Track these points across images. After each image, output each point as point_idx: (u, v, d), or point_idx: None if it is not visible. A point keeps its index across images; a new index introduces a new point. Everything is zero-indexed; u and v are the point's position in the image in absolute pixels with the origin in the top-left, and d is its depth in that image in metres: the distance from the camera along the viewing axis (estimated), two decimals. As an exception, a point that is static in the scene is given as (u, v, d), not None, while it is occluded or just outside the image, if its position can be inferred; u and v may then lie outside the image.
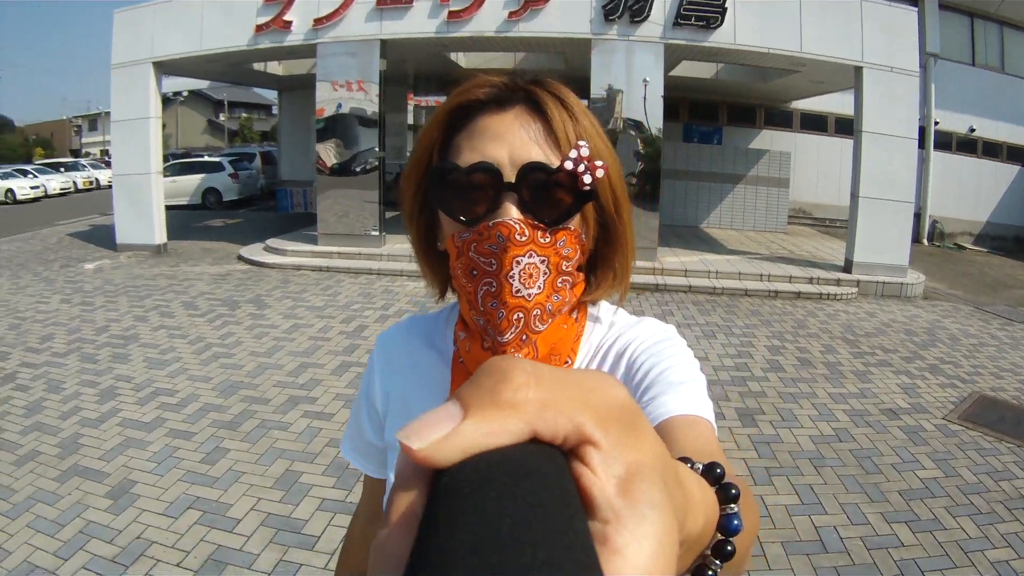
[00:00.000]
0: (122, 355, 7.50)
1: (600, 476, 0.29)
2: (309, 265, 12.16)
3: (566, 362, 0.99)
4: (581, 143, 0.88)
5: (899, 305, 10.64)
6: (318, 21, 12.30)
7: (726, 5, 11.18)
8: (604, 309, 1.10)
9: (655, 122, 11.66)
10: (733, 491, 0.52)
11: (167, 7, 13.51)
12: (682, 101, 18.72)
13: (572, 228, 0.93)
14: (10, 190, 28.22)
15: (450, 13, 11.73)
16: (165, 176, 19.97)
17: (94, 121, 60.92)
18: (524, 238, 0.88)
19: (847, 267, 11.67)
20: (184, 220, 18.38)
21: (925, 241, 19.01)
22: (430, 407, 0.84)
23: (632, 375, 0.96)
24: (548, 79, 1.00)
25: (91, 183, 33.83)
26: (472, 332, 0.97)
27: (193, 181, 22.76)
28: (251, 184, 24.25)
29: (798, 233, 16.85)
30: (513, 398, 0.29)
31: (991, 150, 20.28)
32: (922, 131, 17.61)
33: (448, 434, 0.28)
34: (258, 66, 17.18)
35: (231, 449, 5.27)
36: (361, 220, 12.81)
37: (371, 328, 8.43)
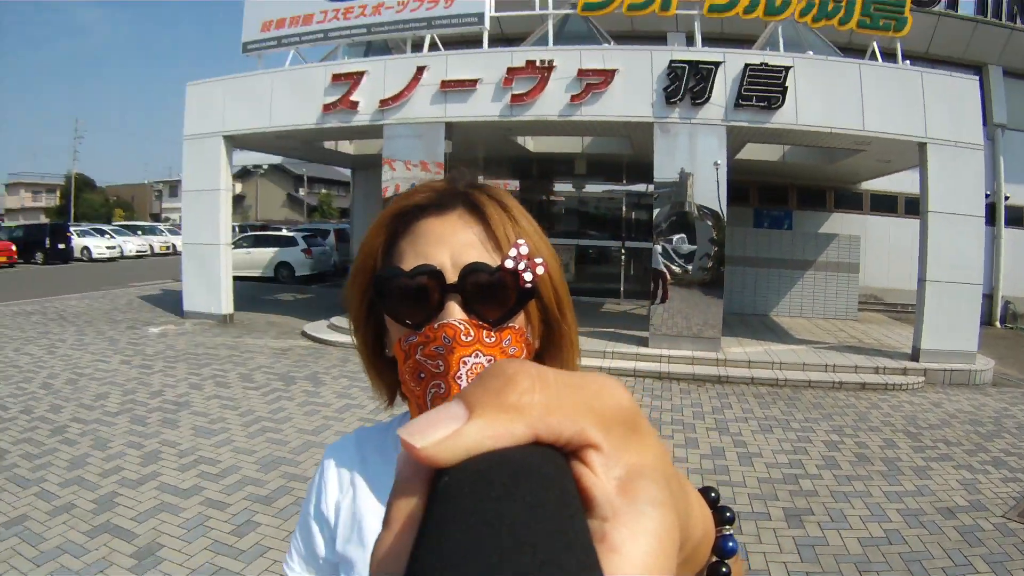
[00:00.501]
0: (172, 420, 7.59)
1: (601, 477, 0.29)
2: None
3: None
4: (520, 241, 0.92)
5: (967, 394, 10.21)
6: (384, 102, 12.52)
7: (787, 84, 11.10)
8: None
9: (722, 206, 11.53)
10: (728, 514, 0.52)
11: (237, 82, 14.01)
12: (751, 184, 18.64)
13: (516, 327, 0.95)
14: (86, 248, 29.21)
15: (513, 97, 11.84)
16: (240, 248, 20.49)
17: (175, 187, 63.11)
18: (470, 338, 0.90)
19: (915, 355, 11.25)
20: (255, 292, 18.73)
21: (998, 324, 18.41)
22: (382, 518, 0.81)
23: None
24: (487, 184, 1.03)
25: (168, 248, 34.93)
26: None
27: (267, 254, 23.18)
28: (324, 260, 24.53)
29: (869, 320, 16.42)
30: (519, 401, 0.28)
31: (1066, 224, 19.54)
32: (992, 207, 17.27)
33: (451, 434, 0.28)
34: (330, 144, 17.47)
35: (262, 523, 5.25)
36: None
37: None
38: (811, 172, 17.24)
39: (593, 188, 20.17)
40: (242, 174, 52.11)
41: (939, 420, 8.64)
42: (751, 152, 14.63)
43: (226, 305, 14.34)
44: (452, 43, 13.65)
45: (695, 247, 11.52)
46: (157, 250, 34.44)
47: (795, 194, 19.24)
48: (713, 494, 0.53)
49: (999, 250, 18.38)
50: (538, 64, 11.79)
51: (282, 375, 9.93)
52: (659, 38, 15.83)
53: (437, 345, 0.90)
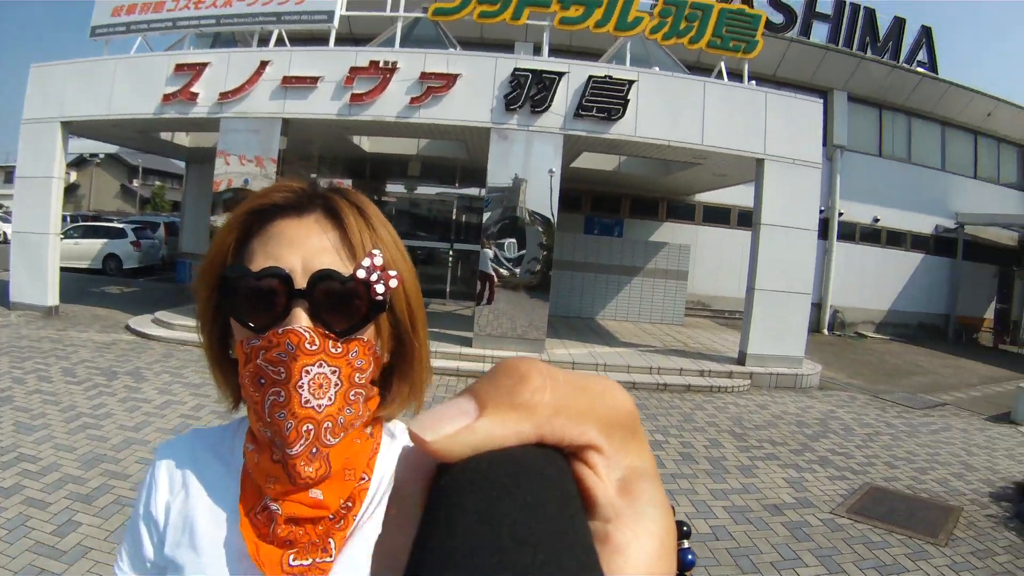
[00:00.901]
0: None
1: (602, 478, 0.29)
2: (193, 341, 11.61)
3: (361, 478, 0.98)
4: (375, 252, 0.90)
5: (793, 396, 10.77)
6: (223, 95, 12.31)
7: (629, 98, 11.43)
8: (399, 426, 1.11)
9: (553, 213, 11.75)
10: (685, 528, 0.50)
11: (79, 66, 13.51)
12: (585, 193, 19.17)
13: (365, 339, 0.93)
14: (-86, 239, 27.40)
15: (352, 96, 11.81)
16: (68, 237, 19.56)
17: (10, 173, 59.77)
18: (314, 347, 0.88)
19: (741, 359, 11.81)
20: (82, 284, 17.93)
21: (825, 331, 19.68)
22: (215, 522, 0.97)
23: None
24: (348, 188, 1.00)
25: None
26: (261, 444, 0.95)
27: (95, 245, 22.43)
28: (153, 253, 24.00)
29: (695, 325, 17.17)
30: (530, 400, 0.28)
31: (895, 239, 21.30)
32: (826, 222, 18.42)
33: (461, 429, 0.27)
34: (166, 136, 17.06)
35: (83, 523, 5.05)
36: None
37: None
38: (646, 183, 17.81)
39: (426, 190, 20.39)
40: (77, 162, 49.89)
41: (765, 421, 9.06)
42: (587, 161, 14.99)
43: (52, 297, 13.74)
44: (300, 40, 13.58)
45: (523, 251, 11.74)
46: (-2, 239, 32.46)
47: (628, 203, 19.91)
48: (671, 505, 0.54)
49: (830, 262, 19.71)
50: (381, 65, 11.80)
51: (104, 370, 9.57)
52: (507, 46, 16.01)
53: (280, 351, 0.88)
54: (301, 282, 0.89)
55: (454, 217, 20.03)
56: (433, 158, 16.77)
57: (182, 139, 17.84)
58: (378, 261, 0.89)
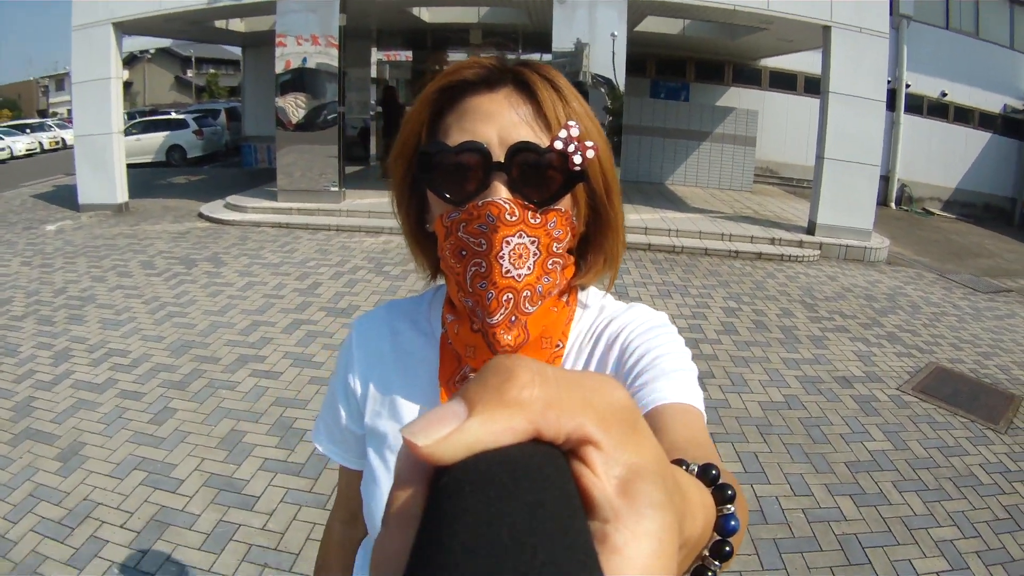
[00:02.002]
0: (78, 316, 7.45)
1: (601, 476, 0.29)
2: (268, 222, 12.05)
3: (557, 345, 1.00)
4: (571, 123, 0.89)
5: (861, 269, 10.61)
6: (276, -23, 12.15)
7: (691, -40, 10.98)
8: (594, 294, 1.11)
9: (618, 77, 11.57)
10: (729, 492, 0.52)
11: (125, -35, 13.39)
12: (649, 57, 18.58)
13: (563, 210, 0.94)
14: (-26, 152, 27.93)
15: (409, -34, 11.49)
16: (129, 135, 19.81)
17: (61, 81, 60.07)
18: (514, 218, 0.89)
19: (810, 229, 11.64)
20: (148, 178, 18.13)
21: (893, 205, 19.07)
22: (414, 391, 1.07)
23: (625, 360, 0.97)
24: (538, 62, 0.99)
25: (57, 143, 33.37)
26: (460, 314, 0.98)
27: (157, 139, 22.57)
28: (216, 140, 24.12)
29: (764, 192, 16.83)
30: (519, 396, 0.28)
31: (962, 116, 20.22)
32: (893, 94, 17.70)
33: (452, 431, 0.28)
34: (220, 24, 16.96)
35: (179, 409, 5.27)
36: (320, 176, 12.70)
37: (325, 286, 8.39)
38: (711, 47, 17.30)
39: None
40: (128, 60, 49.93)
41: (835, 293, 8.97)
42: (651, 24, 14.60)
43: (121, 194, 13.96)
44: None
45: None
46: (47, 146, 32.92)
47: (693, 67, 19.30)
48: (714, 471, 0.54)
49: (897, 135, 18.83)
50: (435, -68, 11.44)
51: (182, 259, 9.80)
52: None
53: (480, 223, 0.90)
54: (499, 155, 0.90)
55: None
56: (495, 25, 16.44)
57: (237, 25, 17.79)
58: (575, 132, 0.88)
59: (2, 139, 30.14)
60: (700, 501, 0.46)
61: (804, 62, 16.89)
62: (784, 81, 19.34)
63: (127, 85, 49.98)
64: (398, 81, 20.90)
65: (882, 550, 3.84)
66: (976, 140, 20.40)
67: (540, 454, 0.28)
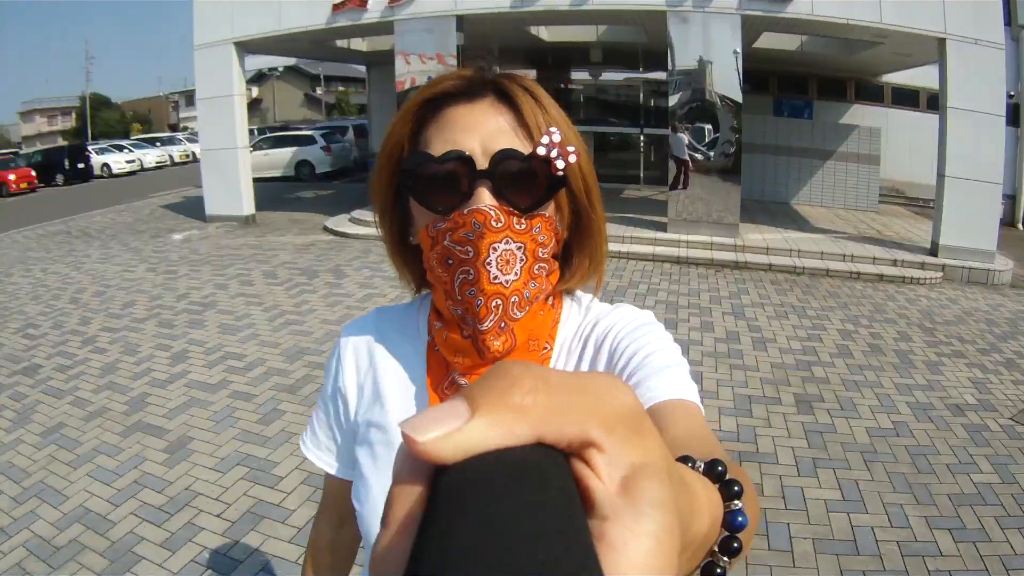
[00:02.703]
0: (198, 321, 7.82)
1: (602, 477, 0.29)
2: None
3: (544, 348, 1.01)
4: (552, 129, 0.89)
5: (984, 292, 10.14)
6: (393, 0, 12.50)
7: (802, -25, 10.85)
8: (579, 296, 1.11)
9: (738, 94, 11.49)
10: (736, 488, 0.52)
11: (246, -12, 13.96)
12: (770, 74, 18.33)
13: (547, 215, 0.95)
14: (106, 164, 29.45)
15: (523, -13, 11.72)
16: (259, 150, 20.55)
17: (191, 97, 62.67)
18: (500, 224, 0.90)
19: (933, 250, 11.20)
20: (276, 192, 18.82)
21: (1020, 225, 18.10)
22: (403, 396, 1.05)
23: (615, 361, 0.97)
24: (516, 73, 1.01)
25: (187, 156, 34.92)
26: (448, 322, 0.98)
27: (286, 154, 23.27)
28: (344, 156, 24.65)
29: (889, 213, 16.26)
30: (522, 402, 0.28)
31: (1090, 126, 19.13)
32: (1016, 109, 16.91)
33: (453, 431, 0.27)
34: (342, 43, 17.44)
35: (286, 412, 5.50)
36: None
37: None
38: (831, 63, 16.91)
39: (611, 76, 20.20)
40: (257, 78, 51.77)
41: (955, 316, 8.62)
42: (769, 41, 14.36)
43: (247, 206, 14.54)
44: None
45: (717, 135, 11.56)
46: (177, 159, 34.47)
47: (815, 84, 18.92)
48: (720, 467, 0.54)
49: (1022, 151, 18.07)
50: (550, -48, 11.60)
51: (305, 269, 10.13)
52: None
53: (467, 231, 0.90)
54: (482, 163, 0.91)
55: (642, 102, 19.69)
56: (614, 43, 16.39)
57: (359, 44, 18.19)
58: (556, 138, 0.89)
59: (132, 152, 31.70)
60: (707, 498, 0.46)
61: (926, 77, 16.36)
62: (906, 97, 18.74)
63: (257, 102, 51.79)
64: (519, 100, 21.01)
65: (980, 586, 3.65)
66: (1105, 152, 19.22)
67: (541, 455, 0.28)
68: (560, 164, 0.88)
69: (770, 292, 9.29)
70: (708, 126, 11.58)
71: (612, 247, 11.06)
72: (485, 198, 0.90)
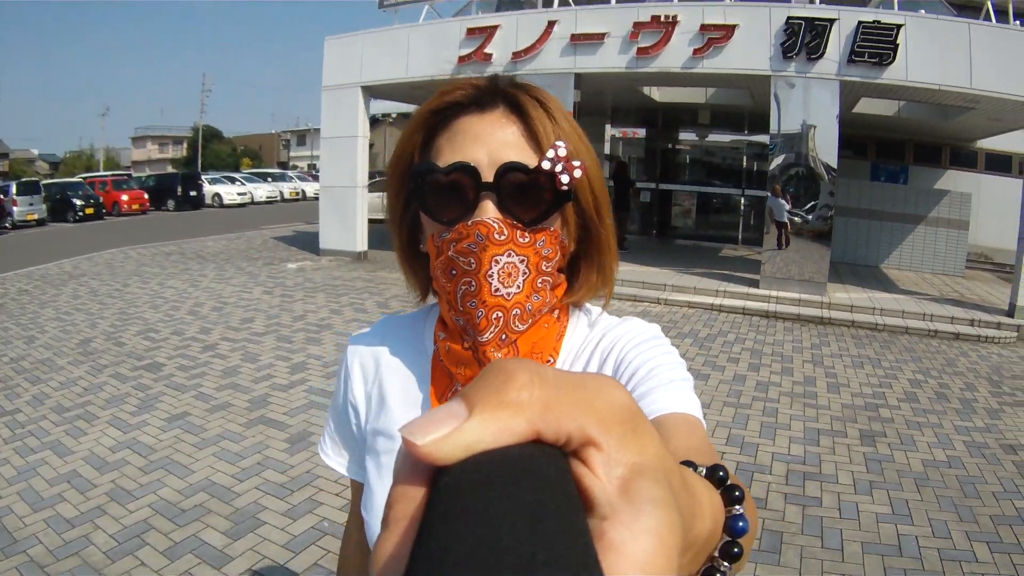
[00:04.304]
0: (315, 339, 8.43)
1: (601, 477, 0.29)
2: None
3: (548, 360, 1.01)
4: (559, 143, 0.90)
5: (1057, 351, 10.34)
6: (516, 55, 13.34)
7: (898, 42, 11.36)
8: (587, 309, 1.12)
9: (834, 158, 11.99)
10: (737, 493, 0.52)
11: (376, 35, 14.93)
12: (868, 139, 18.68)
13: (552, 229, 0.95)
14: (217, 195, 30.53)
15: (639, 50, 12.47)
16: (374, 192, 21.46)
17: (302, 136, 64.95)
18: (503, 237, 0.90)
19: (1011, 311, 11.42)
20: (387, 233, 19.42)
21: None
22: (407, 406, 1.09)
23: (620, 373, 0.97)
24: (529, 83, 1.01)
25: (297, 194, 36.01)
26: (452, 332, 1.00)
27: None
28: (455, 203, 25.35)
29: (975, 278, 16.36)
30: (518, 397, 0.29)
31: None
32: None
33: (451, 431, 0.28)
34: (459, 94, 18.25)
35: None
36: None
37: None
38: (926, 128, 17.23)
39: (717, 138, 20.76)
40: (371, 122, 52.88)
41: (1023, 372, 8.88)
42: (866, 107, 14.80)
43: (361, 243, 15.34)
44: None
45: (815, 200, 12.06)
46: (287, 196, 35.45)
47: (912, 150, 19.19)
48: (721, 473, 0.54)
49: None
50: (663, 19, 12.35)
51: (414, 303, 10.68)
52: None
53: (470, 242, 0.90)
54: (488, 175, 0.91)
55: (744, 164, 20.18)
56: (721, 106, 17.00)
57: (476, 95, 19.01)
58: (562, 152, 0.89)
59: (244, 185, 32.89)
60: (709, 501, 0.47)
61: (1020, 142, 16.48)
62: (999, 163, 18.93)
63: (369, 145, 52.75)
64: (629, 157, 21.53)
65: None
66: None
67: (540, 454, 0.28)
68: (565, 179, 0.89)
69: (849, 345, 9.65)
70: (806, 190, 12.10)
71: (706, 299, 11.80)
72: (489, 210, 0.91)
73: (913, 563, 4.28)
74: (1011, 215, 17.70)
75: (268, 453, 5.33)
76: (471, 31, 13.76)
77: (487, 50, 13.54)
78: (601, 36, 12.75)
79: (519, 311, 0.92)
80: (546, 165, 0.89)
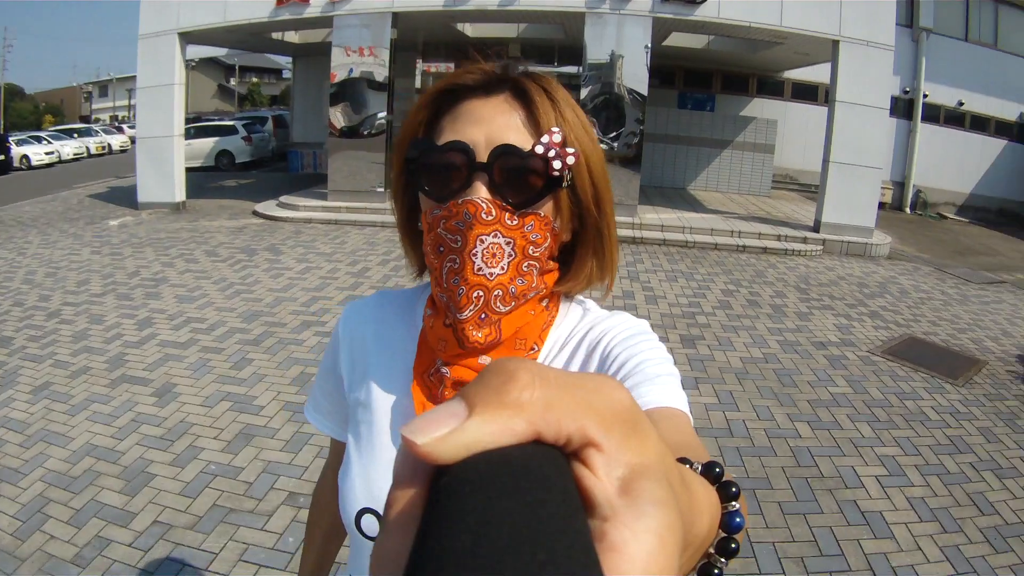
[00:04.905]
0: (154, 293, 8.33)
1: (601, 477, 0.29)
2: (319, 219, 13.09)
3: (531, 348, 1.01)
4: (554, 129, 0.91)
5: (860, 263, 11.44)
6: (335, -5, 13.17)
7: (711, -18, 12.02)
8: (580, 300, 1.12)
9: (644, 88, 12.57)
10: (733, 489, 0.53)
11: (194, -21, 14.37)
12: (677, 69, 19.55)
13: (542, 214, 0.95)
14: (25, 156, 28.67)
15: (458, -12, 12.59)
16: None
17: (104, 87, 61.73)
18: (490, 217, 0.91)
19: (816, 227, 12.54)
20: (199, 181, 18.88)
21: (908, 210, 19.80)
22: (390, 380, 1.11)
23: (607, 367, 0.98)
24: (539, 72, 1.01)
25: (104, 148, 34.27)
26: (438, 309, 0.99)
27: (207, 144, 23.43)
28: (263, 147, 25.00)
29: (781, 197, 17.71)
30: (519, 397, 0.28)
31: (979, 124, 20.97)
32: (911, 104, 18.56)
33: (452, 431, 0.28)
34: (276, 35, 17.99)
35: (255, 359, 6.23)
36: (368, 178, 13.76)
37: (373, 271, 9.40)
38: (734, 60, 18.23)
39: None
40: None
41: (829, 280, 9.85)
42: (677, 40, 15.56)
43: (180, 193, 14.94)
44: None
45: (622, 127, 12.66)
46: (94, 151, 33.76)
47: (720, 79, 20.26)
48: (717, 469, 0.54)
49: (914, 143, 19.71)
50: (485, -42, 12.52)
51: (243, 248, 10.77)
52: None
53: (458, 220, 0.91)
54: (483, 155, 0.91)
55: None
56: (533, 39, 17.36)
57: (291, 37, 18.80)
58: (556, 138, 0.90)
59: (51, 143, 31.09)
60: (706, 499, 0.47)
61: (824, 74, 17.74)
62: (806, 92, 20.22)
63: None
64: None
65: (829, 459, 4.75)
66: (992, 147, 21.14)
67: (540, 454, 0.28)
68: (557, 165, 0.89)
69: (663, 261, 10.40)
70: (614, 116, 12.69)
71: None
72: (480, 190, 0.91)
73: (744, 441, 4.87)
74: (815, 140, 18.96)
75: (139, 409, 5.35)
76: (291, -28, 13.50)
77: (306, -9, 13.39)
78: (420, -26, 12.85)
79: (501, 292, 0.93)
80: (539, 150, 0.90)
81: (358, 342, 1.14)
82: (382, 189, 13.64)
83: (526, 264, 0.94)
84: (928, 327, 8.04)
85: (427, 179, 0.95)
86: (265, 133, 25.68)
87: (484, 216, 0.90)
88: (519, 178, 0.91)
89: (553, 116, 0.93)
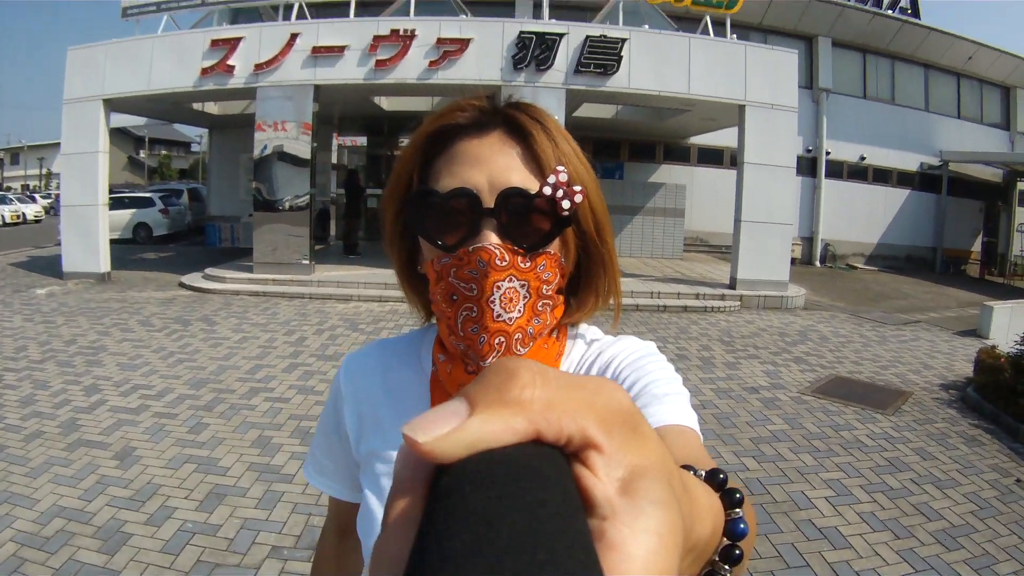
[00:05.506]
0: (95, 361, 8.25)
1: (601, 478, 0.29)
2: (246, 291, 13.13)
3: None
4: (560, 168, 0.89)
5: (778, 315, 12.04)
6: (259, 66, 13.49)
7: (622, 54, 12.73)
8: (583, 328, 1.11)
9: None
10: (737, 496, 0.53)
11: (119, 47, 14.46)
12: (586, 140, 19.77)
13: (552, 252, 0.93)
14: (-59, 224, 28.13)
15: (377, 62, 13.07)
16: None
17: (16, 155, 60.27)
18: (504, 263, 0.88)
19: (732, 284, 13.16)
20: (119, 253, 18.34)
21: (818, 263, 20.77)
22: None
23: None
24: (528, 103, 1.00)
25: (19, 217, 33.57)
26: (453, 356, 0.97)
27: (124, 216, 23.00)
28: (179, 220, 24.78)
29: (693, 259, 18.42)
30: (520, 396, 0.29)
31: (882, 176, 22.30)
32: (814, 161, 19.71)
33: (453, 429, 0.28)
34: (197, 105, 17.99)
35: (210, 424, 6.26)
36: (293, 251, 13.90)
37: (311, 339, 9.48)
38: (643, 128, 18.97)
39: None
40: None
41: (751, 332, 10.37)
42: (587, 111, 16.19)
43: (104, 264, 14.74)
44: (319, 5, 14.82)
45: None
46: (8, 220, 33.05)
47: (627, 148, 21.06)
48: (721, 476, 0.55)
49: (819, 199, 20.87)
50: (401, 32, 13.06)
51: (177, 319, 10.71)
52: (508, 4, 17.52)
53: (471, 268, 0.89)
54: (489, 200, 0.89)
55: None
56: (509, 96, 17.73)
57: (211, 108, 18.80)
58: (563, 177, 0.88)
59: (-36, 213, 30.40)
60: (709, 504, 0.47)
61: (728, 137, 18.52)
62: (711, 157, 21.16)
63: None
64: (357, 166, 21.88)
65: (780, 487, 5.15)
66: (895, 197, 22.51)
67: (540, 454, 0.28)
68: (566, 204, 0.88)
69: (586, 323, 10.65)
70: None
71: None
72: (490, 237, 0.89)
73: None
74: (722, 202, 19.91)
75: (102, 472, 5.31)
76: (215, 43, 13.82)
77: (230, 62, 13.65)
78: (341, 49, 13.25)
79: (521, 335, 0.91)
80: (547, 191, 0.88)
81: (364, 393, 1.11)
82: (307, 262, 13.83)
83: (540, 304, 0.93)
84: (852, 367, 8.60)
85: (432, 227, 0.92)
86: (181, 206, 25.48)
87: (498, 263, 0.88)
88: (528, 220, 0.90)
89: (551, 151, 0.93)
